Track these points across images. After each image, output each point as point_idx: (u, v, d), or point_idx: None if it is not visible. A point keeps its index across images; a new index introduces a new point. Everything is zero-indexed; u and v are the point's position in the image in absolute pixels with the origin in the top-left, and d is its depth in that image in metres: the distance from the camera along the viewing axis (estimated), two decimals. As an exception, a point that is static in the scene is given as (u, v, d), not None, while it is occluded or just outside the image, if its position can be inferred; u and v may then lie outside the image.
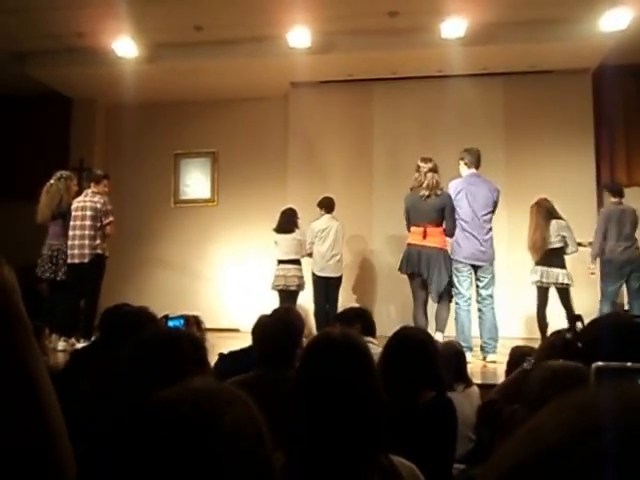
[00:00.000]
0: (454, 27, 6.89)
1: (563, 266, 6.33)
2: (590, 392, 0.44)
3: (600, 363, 1.05)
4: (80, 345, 5.52)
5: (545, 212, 6.37)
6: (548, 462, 0.39)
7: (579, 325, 2.09)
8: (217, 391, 0.78)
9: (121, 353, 1.67)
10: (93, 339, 4.09)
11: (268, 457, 0.74)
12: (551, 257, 6.31)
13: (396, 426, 1.64)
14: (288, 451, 1.42)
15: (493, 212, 5.87)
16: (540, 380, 1.73)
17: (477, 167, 5.93)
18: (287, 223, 7.13)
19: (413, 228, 5.84)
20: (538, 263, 6.37)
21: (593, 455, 0.38)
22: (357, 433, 1.41)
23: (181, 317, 2.45)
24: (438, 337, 5.38)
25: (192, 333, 1.96)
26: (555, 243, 6.30)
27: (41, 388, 0.78)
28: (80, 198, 6.44)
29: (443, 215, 5.77)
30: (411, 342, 2.41)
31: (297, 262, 7.13)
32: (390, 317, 7.76)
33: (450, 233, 5.81)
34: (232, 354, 3.39)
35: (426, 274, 5.68)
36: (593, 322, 2.17)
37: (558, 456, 0.39)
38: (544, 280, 6.34)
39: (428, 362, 2.35)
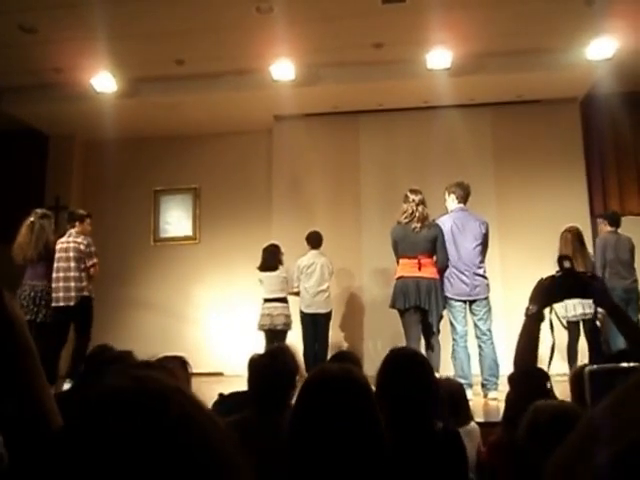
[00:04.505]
0: (440, 58, 6.88)
1: None
2: None
3: (594, 366, 1.20)
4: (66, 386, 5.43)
5: (578, 240, 6.34)
6: None
7: (567, 264, 1.88)
8: (160, 379, 0.73)
9: None
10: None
11: (222, 441, 0.68)
12: None
13: (402, 464, 1.58)
14: None
15: (484, 245, 5.82)
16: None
17: (465, 202, 5.93)
18: (271, 260, 6.96)
19: (404, 260, 5.75)
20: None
21: None
22: (355, 476, 1.34)
23: None
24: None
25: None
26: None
27: (49, 411, 0.83)
28: (63, 239, 6.27)
29: (435, 246, 5.72)
30: (407, 362, 2.28)
31: (284, 300, 6.92)
32: (379, 354, 7.47)
33: (442, 264, 5.74)
34: (233, 395, 3.25)
35: (427, 305, 5.60)
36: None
37: None
38: (578, 313, 6.11)
39: (428, 382, 2.19)
